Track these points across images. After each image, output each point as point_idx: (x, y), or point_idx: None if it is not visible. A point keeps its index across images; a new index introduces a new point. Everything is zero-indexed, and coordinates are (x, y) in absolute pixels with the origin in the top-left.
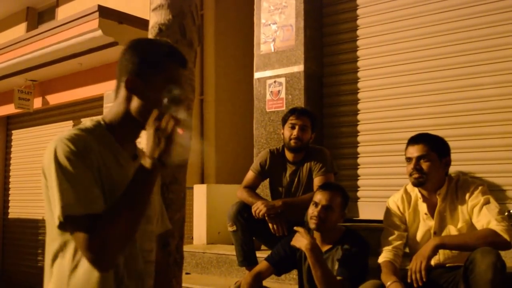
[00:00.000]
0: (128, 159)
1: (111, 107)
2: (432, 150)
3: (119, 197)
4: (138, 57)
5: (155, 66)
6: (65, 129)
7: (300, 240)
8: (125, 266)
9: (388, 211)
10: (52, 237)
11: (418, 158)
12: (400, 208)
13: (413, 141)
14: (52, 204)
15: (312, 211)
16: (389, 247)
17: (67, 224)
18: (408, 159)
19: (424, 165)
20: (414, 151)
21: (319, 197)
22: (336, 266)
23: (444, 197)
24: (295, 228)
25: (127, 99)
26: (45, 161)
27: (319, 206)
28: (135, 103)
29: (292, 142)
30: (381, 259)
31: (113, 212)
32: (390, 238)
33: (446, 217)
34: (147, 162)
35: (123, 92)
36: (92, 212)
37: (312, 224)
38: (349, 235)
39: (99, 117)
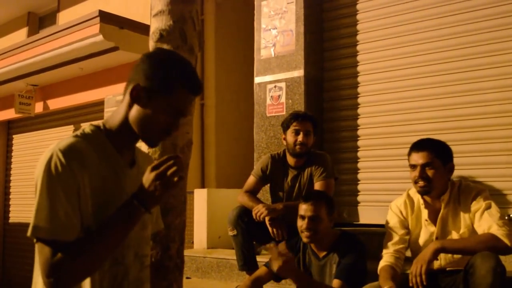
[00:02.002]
0: (125, 167)
1: (116, 110)
2: (437, 157)
3: (95, 231)
4: (153, 70)
5: (165, 86)
6: (66, 133)
7: (273, 263)
8: (125, 275)
9: (390, 215)
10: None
11: (423, 166)
12: (403, 213)
13: (417, 147)
14: (32, 216)
15: (300, 224)
16: (391, 251)
17: (36, 243)
18: (413, 166)
19: (429, 172)
20: (419, 158)
21: (304, 209)
22: (334, 271)
23: (447, 203)
24: (266, 246)
25: (129, 105)
26: (37, 169)
27: (306, 219)
28: (134, 112)
29: (297, 148)
30: (382, 263)
31: (83, 248)
32: (392, 241)
33: (448, 223)
34: (133, 204)
35: (127, 97)
36: (60, 239)
37: (304, 238)
38: (345, 238)
39: (99, 122)
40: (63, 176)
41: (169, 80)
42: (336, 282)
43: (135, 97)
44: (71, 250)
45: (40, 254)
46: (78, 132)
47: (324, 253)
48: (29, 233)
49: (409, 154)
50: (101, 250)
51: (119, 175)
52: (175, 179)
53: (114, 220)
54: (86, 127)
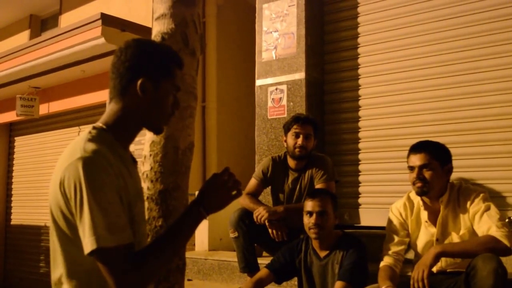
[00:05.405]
0: (132, 163)
1: (109, 110)
2: (434, 158)
3: (162, 236)
4: (150, 60)
5: (166, 72)
6: (67, 136)
7: None
8: None
9: (390, 217)
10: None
11: (421, 167)
12: (402, 215)
13: (415, 149)
14: (81, 232)
15: (308, 221)
16: (390, 252)
17: (97, 254)
18: (411, 168)
19: (427, 174)
20: (416, 160)
21: (311, 205)
22: (337, 270)
23: (446, 204)
24: None
25: (136, 100)
26: (70, 180)
27: (314, 214)
28: (143, 105)
29: (297, 151)
30: (382, 263)
31: (153, 254)
32: (392, 243)
33: (448, 224)
34: (199, 210)
35: (132, 92)
36: (124, 243)
37: (312, 234)
38: (346, 238)
39: (98, 124)
40: (104, 181)
41: (166, 64)
42: (339, 284)
43: (144, 91)
44: (146, 258)
45: (106, 267)
46: (89, 136)
47: (326, 252)
48: (92, 245)
49: (407, 157)
50: (170, 255)
51: (132, 173)
52: (234, 192)
53: (180, 226)
54: (90, 130)
